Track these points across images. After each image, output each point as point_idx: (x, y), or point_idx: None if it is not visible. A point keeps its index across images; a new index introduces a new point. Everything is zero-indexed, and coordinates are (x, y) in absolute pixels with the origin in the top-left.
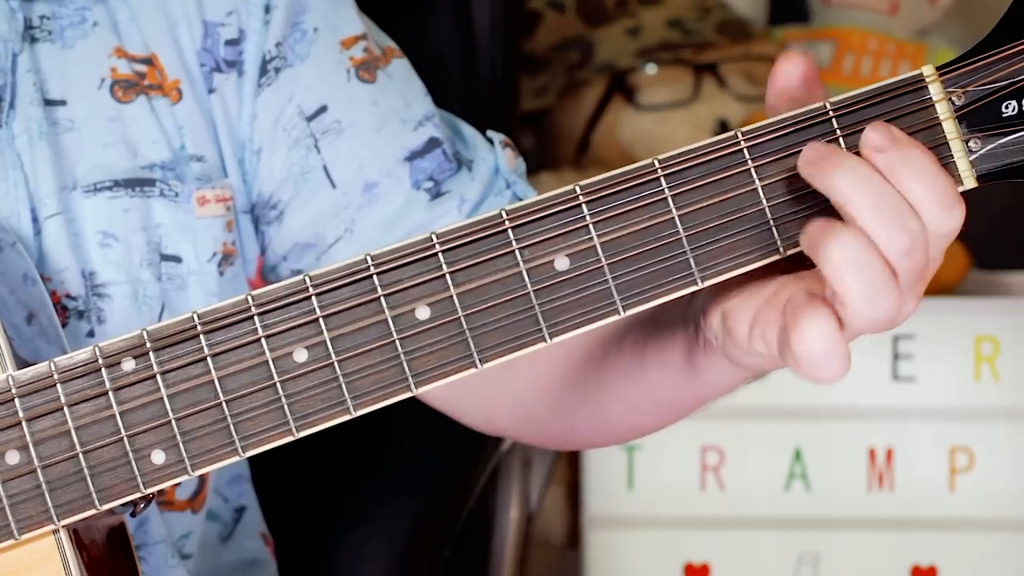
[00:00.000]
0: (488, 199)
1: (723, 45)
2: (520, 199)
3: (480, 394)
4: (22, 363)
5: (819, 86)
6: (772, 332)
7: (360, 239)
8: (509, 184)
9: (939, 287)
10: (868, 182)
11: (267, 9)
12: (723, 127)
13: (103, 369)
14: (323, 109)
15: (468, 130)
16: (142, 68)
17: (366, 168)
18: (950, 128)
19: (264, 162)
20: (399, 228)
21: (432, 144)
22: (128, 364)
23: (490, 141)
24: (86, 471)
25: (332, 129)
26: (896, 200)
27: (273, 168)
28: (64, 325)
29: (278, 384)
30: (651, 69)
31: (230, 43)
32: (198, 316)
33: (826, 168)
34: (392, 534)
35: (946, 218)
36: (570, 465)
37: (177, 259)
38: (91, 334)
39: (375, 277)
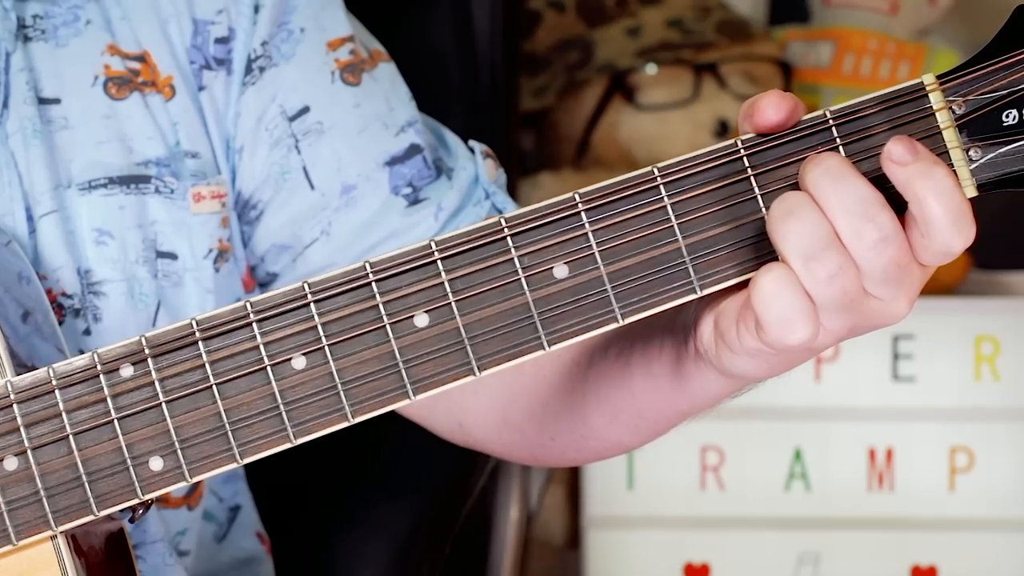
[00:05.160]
0: (466, 208)
1: (723, 45)
2: (499, 210)
3: (456, 398)
4: (20, 365)
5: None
6: (751, 316)
7: (335, 241)
8: (488, 194)
9: (939, 287)
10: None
11: (256, 8)
12: (723, 127)
13: (101, 375)
14: (305, 110)
15: (451, 138)
16: (135, 65)
17: (345, 170)
18: (951, 137)
19: (246, 161)
20: (374, 232)
21: (413, 150)
22: (126, 370)
23: (472, 151)
24: (84, 477)
25: (313, 130)
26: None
27: (254, 167)
28: (60, 323)
29: (276, 391)
30: (651, 69)
31: (220, 41)
32: (196, 323)
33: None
34: (391, 534)
35: (957, 239)
36: None
37: (173, 256)
38: (87, 332)
39: (373, 284)
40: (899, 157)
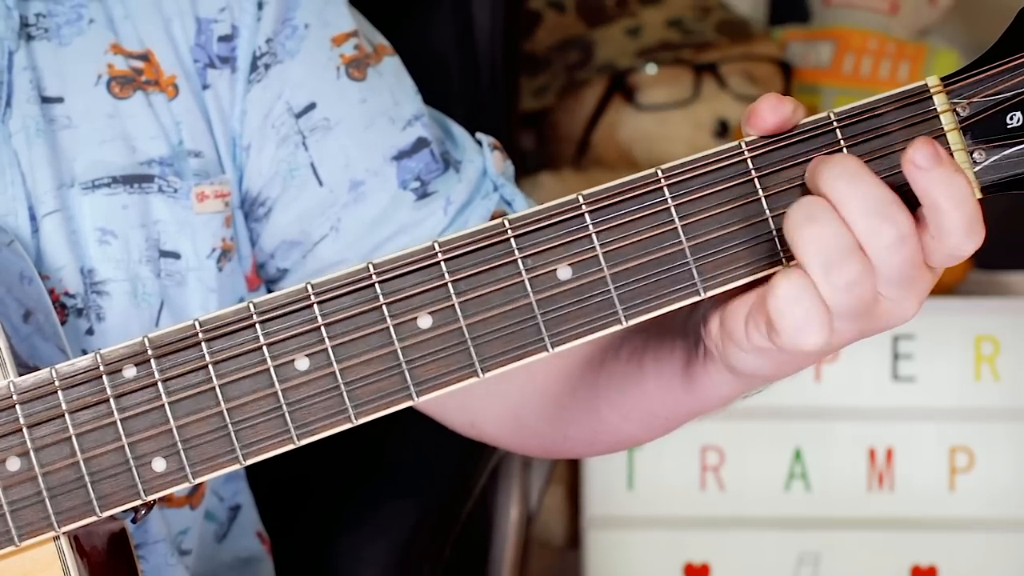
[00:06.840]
0: (475, 201)
1: (723, 45)
2: (508, 202)
3: (468, 398)
4: (22, 365)
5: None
6: (763, 318)
7: (345, 237)
8: (497, 187)
9: (939, 287)
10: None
11: (260, 5)
12: (723, 127)
13: (104, 376)
14: (312, 106)
15: (458, 130)
16: (138, 64)
17: (353, 166)
18: (955, 139)
19: (253, 159)
20: (384, 227)
21: (420, 144)
22: (129, 371)
23: (479, 143)
24: (87, 478)
25: (320, 126)
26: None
27: (261, 165)
28: (63, 323)
29: (279, 392)
30: (651, 69)
31: (223, 39)
32: (199, 324)
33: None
34: (392, 534)
35: (968, 244)
36: (570, 465)
37: (176, 255)
38: (90, 332)
39: (377, 286)
40: (922, 162)
